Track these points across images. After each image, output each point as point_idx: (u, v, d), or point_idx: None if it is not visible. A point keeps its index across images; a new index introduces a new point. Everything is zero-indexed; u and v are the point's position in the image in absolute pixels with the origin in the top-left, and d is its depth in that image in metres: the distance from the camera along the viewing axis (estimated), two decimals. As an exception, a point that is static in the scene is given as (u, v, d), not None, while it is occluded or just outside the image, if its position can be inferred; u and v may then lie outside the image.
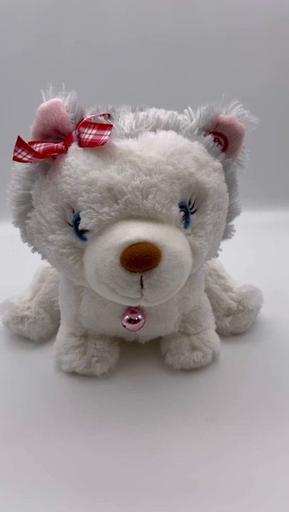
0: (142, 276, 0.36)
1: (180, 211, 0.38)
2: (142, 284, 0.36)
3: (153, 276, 0.36)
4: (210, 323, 0.54)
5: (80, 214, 0.38)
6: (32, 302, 0.60)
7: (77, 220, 0.39)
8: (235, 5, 1.15)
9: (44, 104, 0.39)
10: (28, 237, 0.44)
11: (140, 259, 0.35)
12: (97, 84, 1.13)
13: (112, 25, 1.16)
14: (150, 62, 1.18)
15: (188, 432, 0.44)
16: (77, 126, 0.40)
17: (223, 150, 0.43)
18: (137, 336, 0.53)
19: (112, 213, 0.37)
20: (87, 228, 0.38)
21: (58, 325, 0.59)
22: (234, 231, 0.47)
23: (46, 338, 0.60)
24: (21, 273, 0.69)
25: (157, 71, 1.18)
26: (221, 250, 0.48)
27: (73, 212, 0.39)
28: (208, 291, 0.57)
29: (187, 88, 1.14)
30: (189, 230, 0.40)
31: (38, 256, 0.47)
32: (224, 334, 0.58)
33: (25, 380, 0.52)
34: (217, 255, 0.48)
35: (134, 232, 0.36)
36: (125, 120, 0.40)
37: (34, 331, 0.58)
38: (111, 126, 0.38)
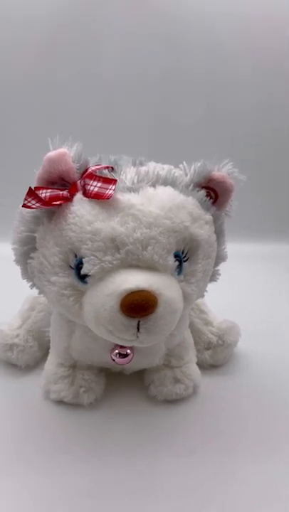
0: (139, 321, 0.39)
1: (175, 261, 0.42)
2: (138, 328, 0.39)
3: (149, 322, 0.39)
4: (192, 356, 0.58)
5: (84, 260, 0.41)
6: (21, 330, 0.62)
7: (79, 264, 0.42)
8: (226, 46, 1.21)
9: (52, 154, 0.42)
10: (28, 275, 0.47)
11: (139, 306, 0.38)
12: (94, 125, 1.17)
13: (109, 67, 1.19)
14: (146, 105, 1.22)
15: (170, 463, 0.47)
16: (82, 176, 0.43)
17: (214, 203, 0.47)
18: (123, 367, 0.56)
19: (114, 262, 0.40)
20: (89, 273, 0.41)
21: (45, 353, 0.61)
22: (220, 275, 0.51)
23: (33, 365, 0.62)
24: (9, 299, 0.70)
25: (153, 113, 1.22)
26: (206, 291, 0.52)
27: (76, 256, 0.42)
28: (190, 325, 0.61)
29: (182, 126, 1.19)
30: (182, 277, 0.44)
31: (25, 281, 0.49)
32: (204, 366, 0.61)
33: (12, 408, 0.54)
34: (203, 296, 0.52)
35: (134, 280, 0.39)
36: (127, 174, 0.43)
37: (22, 358, 0.60)
38: (115, 181, 0.41)
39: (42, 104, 1.18)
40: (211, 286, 0.51)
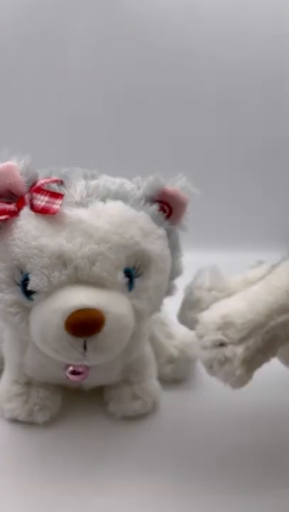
0: (85, 340, 0.38)
1: (125, 277, 0.41)
2: (85, 347, 0.38)
3: (96, 340, 0.38)
4: (151, 371, 0.57)
5: (30, 276, 0.39)
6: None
7: (25, 281, 0.40)
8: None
9: None
10: None
11: (84, 325, 0.37)
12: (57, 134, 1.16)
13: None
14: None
15: (128, 482, 0.46)
16: (30, 189, 0.42)
17: (168, 216, 0.46)
18: (80, 384, 0.54)
19: (61, 278, 0.39)
20: (35, 290, 0.39)
21: (2, 369, 0.59)
22: (177, 289, 0.50)
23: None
24: None
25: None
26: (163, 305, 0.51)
27: (22, 272, 0.40)
28: (152, 338, 0.60)
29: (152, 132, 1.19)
30: (133, 293, 0.42)
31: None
32: (166, 381, 0.60)
33: None
34: (160, 311, 0.51)
35: (80, 297, 0.38)
36: (77, 188, 0.42)
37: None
38: (62, 195, 0.40)
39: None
40: (175, 300, 0.50)
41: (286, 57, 1.18)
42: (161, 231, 0.45)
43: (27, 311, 0.41)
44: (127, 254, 0.41)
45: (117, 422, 0.54)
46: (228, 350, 0.40)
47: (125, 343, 0.42)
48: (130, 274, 0.42)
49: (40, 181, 0.42)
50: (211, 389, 0.60)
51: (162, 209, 0.46)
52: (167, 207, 0.46)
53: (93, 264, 0.39)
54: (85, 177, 0.45)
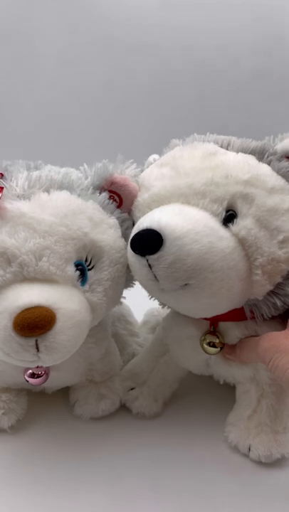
0: (37, 340, 0.35)
1: (76, 270, 0.39)
2: (37, 347, 0.36)
3: (48, 339, 0.36)
4: (116, 369, 0.55)
5: None
6: None
7: None
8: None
9: None
10: None
11: (33, 325, 0.34)
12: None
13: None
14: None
15: (98, 489, 0.44)
16: None
17: (119, 206, 0.44)
18: (43, 387, 0.52)
19: (6, 276, 0.36)
20: None
21: None
22: (135, 280, 0.48)
23: None
24: None
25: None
26: (124, 298, 0.49)
27: None
28: (115, 336, 0.58)
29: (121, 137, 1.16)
30: (87, 287, 0.40)
31: None
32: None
33: None
34: (121, 303, 0.49)
35: (27, 295, 0.36)
36: (18, 180, 0.40)
37: None
38: (1, 188, 0.37)
39: None
40: (139, 296, 0.48)
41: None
42: (112, 220, 0.43)
43: (-26, 314, 0.38)
44: (77, 246, 0.39)
45: (84, 423, 0.52)
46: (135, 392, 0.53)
47: (82, 340, 0.40)
48: (82, 267, 0.40)
49: (-21, 176, 0.39)
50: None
51: (112, 198, 0.44)
52: (117, 196, 0.44)
53: (40, 259, 0.37)
54: (28, 168, 0.42)
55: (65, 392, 0.54)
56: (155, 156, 0.50)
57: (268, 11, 1.13)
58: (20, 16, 1.11)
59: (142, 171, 0.48)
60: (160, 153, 0.50)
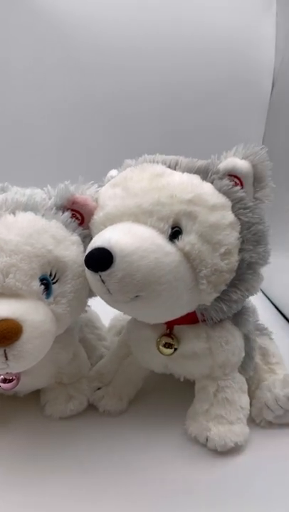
0: (5, 350, 0.39)
1: (41, 284, 0.43)
2: (6, 356, 0.40)
3: (16, 348, 0.40)
4: (84, 372, 0.59)
5: None
6: None
7: None
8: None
9: None
10: None
11: (1, 336, 0.39)
12: None
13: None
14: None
15: (66, 482, 0.47)
16: None
17: (81, 224, 0.49)
18: (15, 391, 0.55)
19: None
20: None
21: None
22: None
23: None
24: None
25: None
26: (89, 306, 0.53)
27: None
28: (84, 340, 0.62)
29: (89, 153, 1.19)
30: (52, 299, 0.45)
31: None
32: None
33: None
34: (86, 311, 0.53)
35: None
36: None
37: None
38: None
39: None
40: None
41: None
42: (74, 237, 0.47)
43: None
44: (41, 262, 0.43)
45: (54, 423, 0.56)
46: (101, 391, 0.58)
47: (47, 348, 0.44)
48: (47, 282, 0.44)
49: None
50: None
51: (74, 216, 0.48)
52: (79, 214, 0.48)
53: (6, 276, 0.41)
54: (-4, 191, 0.46)
55: (35, 395, 0.58)
56: (113, 173, 0.54)
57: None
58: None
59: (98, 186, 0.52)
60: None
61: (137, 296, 0.42)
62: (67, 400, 0.56)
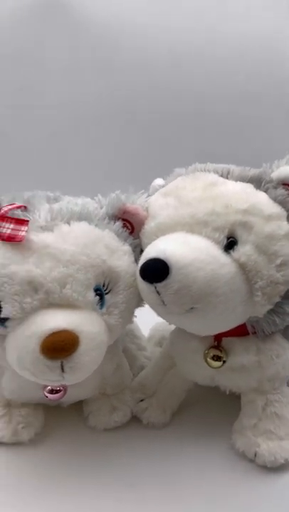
0: (62, 362, 0.39)
1: (95, 295, 0.43)
2: (62, 368, 0.39)
3: (73, 361, 0.39)
4: (127, 382, 0.58)
5: (2, 303, 0.40)
6: None
7: (-3, 308, 0.41)
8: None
9: None
10: None
11: (59, 348, 0.38)
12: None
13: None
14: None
15: (110, 495, 0.47)
16: (-5, 217, 0.43)
17: (131, 233, 0.48)
18: (59, 401, 0.55)
19: (34, 303, 0.40)
20: (8, 317, 0.40)
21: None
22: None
23: None
24: None
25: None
26: (136, 317, 0.53)
27: None
28: (124, 350, 0.61)
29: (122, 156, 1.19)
30: (104, 310, 0.44)
31: None
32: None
33: None
34: (132, 323, 0.52)
35: (54, 320, 0.39)
36: (41, 212, 0.43)
37: None
38: (27, 221, 0.41)
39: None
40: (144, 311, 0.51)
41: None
42: (126, 247, 0.47)
43: (2, 338, 0.42)
44: (96, 273, 0.43)
45: (98, 434, 0.55)
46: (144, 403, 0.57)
47: (101, 359, 0.43)
48: (100, 292, 0.44)
49: (4, 209, 0.43)
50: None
51: (125, 226, 0.48)
52: (129, 224, 0.48)
53: (63, 286, 0.40)
54: (48, 200, 0.46)
55: (78, 405, 0.58)
56: (159, 182, 0.54)
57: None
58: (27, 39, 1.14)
59: (147, 195, 0.52)
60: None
61: (192, 308, 0.42)
62: (111, 411, 0.55)
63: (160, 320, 0.65)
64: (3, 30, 1.14)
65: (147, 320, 0.64)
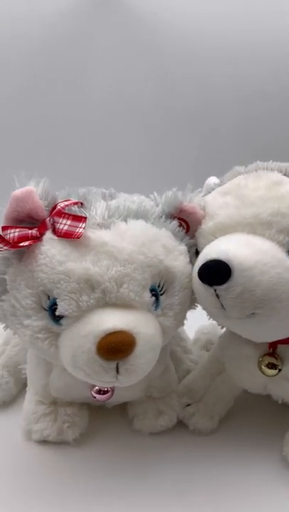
0: (118, 363, 0.38)
1: (151, 296, 0.41)
2: (117, 370, 0.38)
3: (129, 362, 0.38)
4: (173, 386, 0.57)
5: (58, 301, 0.39)
6: (-4, 365, 0.60)
7: (52, 306, 0.40)
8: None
9: (18, 192, 0.41)
10: (0, 317, 0.45)
11: (116, 349, 0.37)
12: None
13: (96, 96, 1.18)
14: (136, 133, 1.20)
15: (160, 504, 0.45)
16: (51, 213, 0.42)
17: (186, 232, 0.46)
18: (105, 402, 0.54)
19: (90, 301, 0.39)
20: (64, 314, 0.39)
21: (22, 388, 0.59)
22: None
23: (9, 401, 0.60)
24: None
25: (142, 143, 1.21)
26: (186, 319, 0.51)
27: (49, 298, 0.40)
28: (170, 353, 0.60)
29: (171, 150, 1.17)
30: (159, 312, 0.43)
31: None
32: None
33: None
34: (183, 325, 0.51)
35: (111, 320, 0.38)
36: (97, 209, 0.42)
37: (-2, 395, 0.58)
38: (85, 218, 0.40)
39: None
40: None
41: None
42: (182, 247, 0.45)
43: (56, 336, 0.41)
44: (152, 273, 0.41)
45: (144, 438, 0.54)
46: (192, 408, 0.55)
47: (155, 362, 0.42)
48: (156, 293, 0.42)
49: (61, 204, 0.42)
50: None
51: (180, 225, 0.46)
52: (184, 223, 0.46)
53: (120, 286, 0.39)
54: (104, 197, 0.45)
55: (122, 407, 0.57)
56: (215, 180, 0.52)
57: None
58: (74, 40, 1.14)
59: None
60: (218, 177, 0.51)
61: (252, 314, 0.40)
62: (157, 415, 0.54)
63: (205, 322, 0.64)
64: (50, 20, 1.14)
65: (191, 322, 0.62)
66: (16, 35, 1.14)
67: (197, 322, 0.63)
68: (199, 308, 0.49)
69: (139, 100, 1.17)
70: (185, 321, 0.52)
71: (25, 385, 0.57)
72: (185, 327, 0.67)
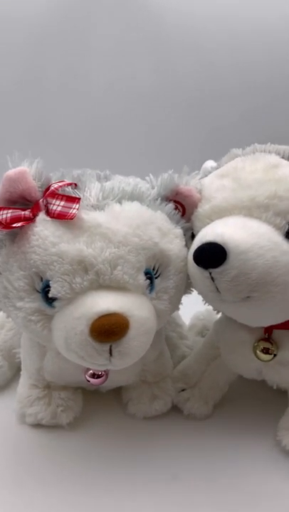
0: (111, 346, 0.37)
1: (146, 279, 0.41)
2: (110, 352, 0.38)
3: (122, 345, 0.37)
4: (168, 371, 0.57)
5: (51, 283, 0.39)
6: (-10, 349, 0.60)
7: (45, 288, 0.40)
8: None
9: (11, 173, 0.40)
10: None
11: (110, 331, 0.36)
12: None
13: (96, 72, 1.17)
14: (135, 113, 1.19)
15: (153, 488, 0.46)
16: (44, 194, 0.41)
17: (182, 215, 0.46)
18: (99, 386, 0.54)
19: (84, 283, 0.38)
20: (57, 296, 0.39)
21: (16, 372, 0.59)
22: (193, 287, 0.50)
23: (3, 385, 0.59)
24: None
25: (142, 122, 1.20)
26: (181, 304, 0.51)
27: (41, 280, 0.40)
28: (166, 339, 0.60)
29: (170, 137, 1.16)
30: (154, 295, 0.42)
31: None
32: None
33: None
34: (178, 309, 0.50)
35: (104, 303, 0.37)
36: (92, 190, 0.41)
37: (-8, 379, 0.58)
38: (79, 199, 0.39)
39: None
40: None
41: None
42: (178, 230, 0.44)
43: (49, 318, 0.41)
44: (147, 255, 0.41)
45: (138, 423, 0.54)
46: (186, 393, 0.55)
47: (148, 345, 0.41)
48: (150, 276, 0.42)
49: (54, 185, 0.41)
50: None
51: (176, 208, 0.45)
52: (180, 206, 0.45)
53: (114, 268, 0.38)
54: (98, 178, 0.44)
55: (116, 391, 0.57)
56: (212, 163, 0.51)
57: None
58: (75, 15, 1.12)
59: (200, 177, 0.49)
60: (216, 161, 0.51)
61: (248, 297, 0.39)
62: (152, 399, 0.54)
63: (201, 308, 0.63)
64: (50, 4, 1.12)
65: (187, 308, 0.62)
66: (16, 19, 1.12)
67: (193, 308, 0.63)
68: (195, 293, 0.48)
69: (138, 83, 1.16)
70: (181, 307, 0.52)
71: (19, 369, 0.57)
72: (181, 313, 0.67)
